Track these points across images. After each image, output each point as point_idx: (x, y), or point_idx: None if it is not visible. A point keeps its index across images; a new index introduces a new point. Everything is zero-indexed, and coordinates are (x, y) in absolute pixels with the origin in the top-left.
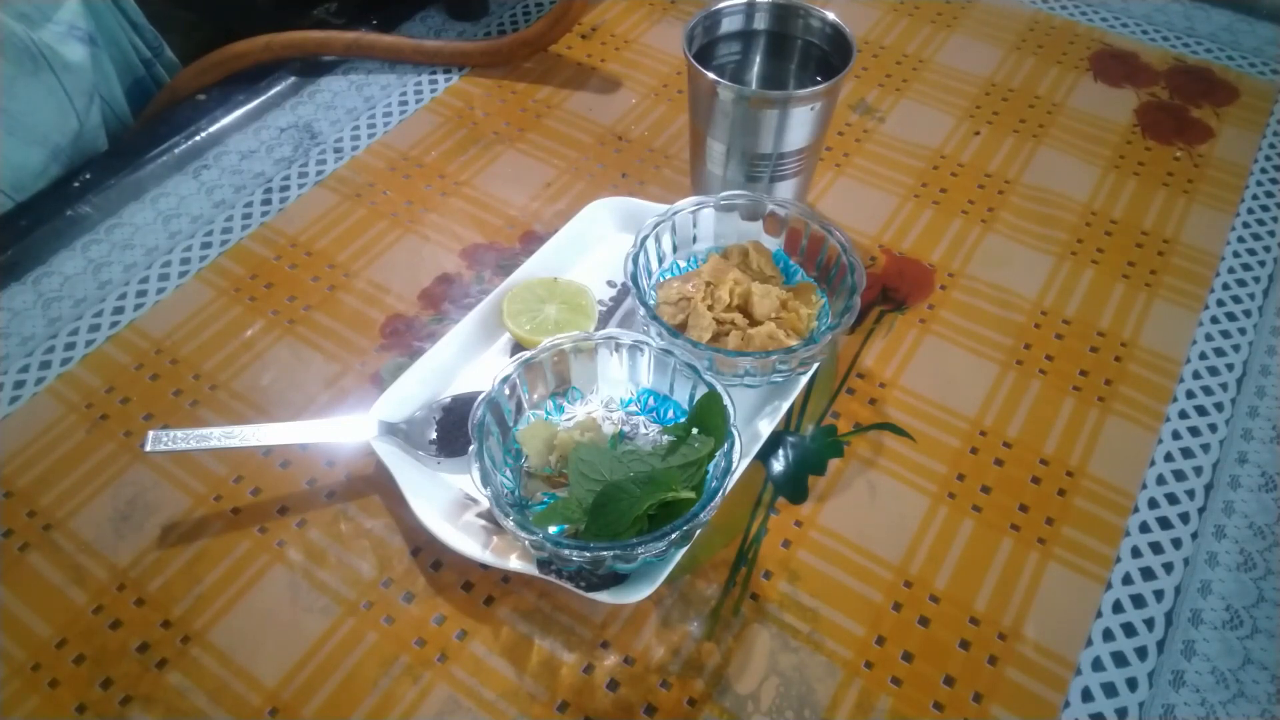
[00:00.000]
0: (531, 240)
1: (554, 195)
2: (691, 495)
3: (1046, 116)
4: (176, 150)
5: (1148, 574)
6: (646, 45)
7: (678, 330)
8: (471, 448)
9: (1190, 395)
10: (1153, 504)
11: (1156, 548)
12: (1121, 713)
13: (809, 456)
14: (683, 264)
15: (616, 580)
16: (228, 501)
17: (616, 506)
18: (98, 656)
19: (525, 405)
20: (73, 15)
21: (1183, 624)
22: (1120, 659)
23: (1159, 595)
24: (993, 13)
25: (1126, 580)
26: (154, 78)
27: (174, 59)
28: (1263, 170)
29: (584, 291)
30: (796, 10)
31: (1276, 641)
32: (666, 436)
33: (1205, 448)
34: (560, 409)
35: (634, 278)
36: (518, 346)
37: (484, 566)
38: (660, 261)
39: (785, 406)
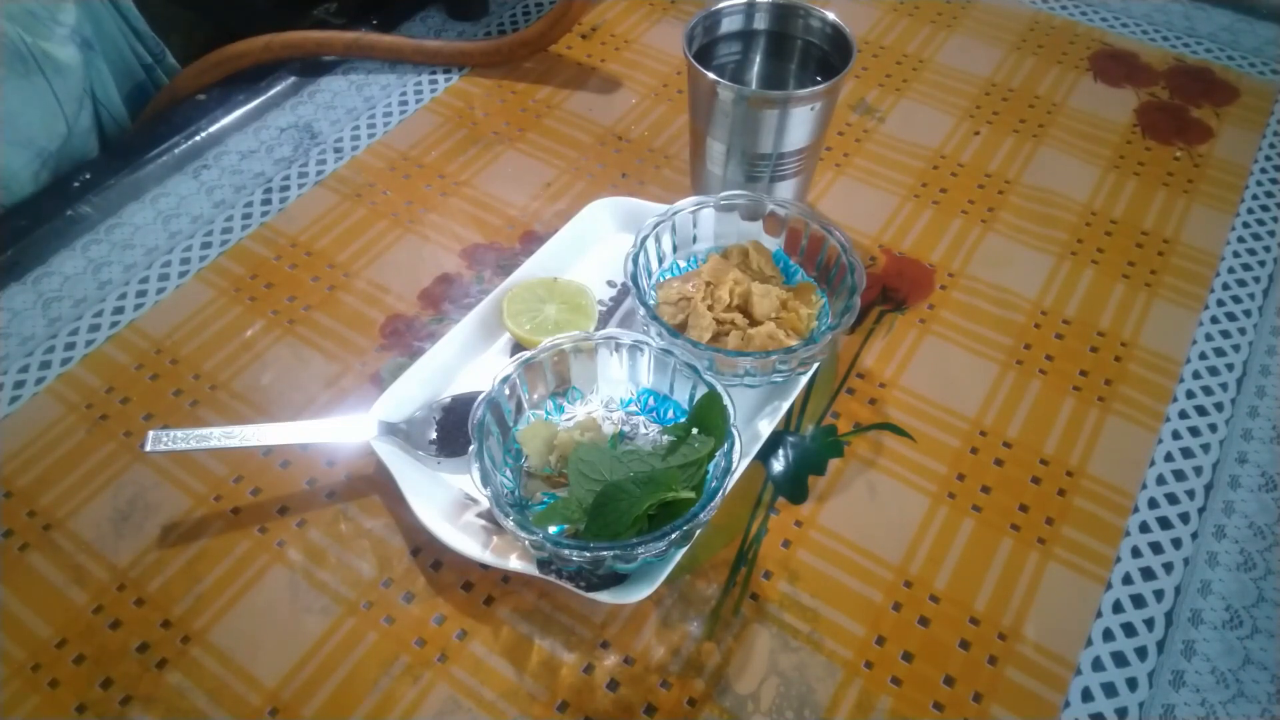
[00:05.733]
0: (531, 240)
1: (554, 195)
2: (691, 495)
3: (1046, 116)
4: (176, 150)
5: (1148, 574)
6: (646, 45)
7: (678, 330)
8: (471, 448)
9: (1190, 395)
10: (1153, 504)
11: (1156, 548)
12: (1121, 713)
13: (809, 456)
14: (683, 264)
15: (616, 580)
16: (228, 501)
17: (616, 506)
18: (98, 656)
19: (525, 405)
20: (74, 20)
21: (1183, 624)
22: (1120, 659)
23: (1159, 595)
24: (993, 13)
25: (1126, 580)
26: (155, 83)
27: (176, 65)
28: (1263, 170)
29: (584, 291)
30: (796, 10)
31: (1276, 641)
32: (666, 436)
33: (1205, 448)
34: (560, 409)
35: (634, 278)
36: (518, 346)
37: (484, 566)
38: (660, 261)
39: (785, 406)
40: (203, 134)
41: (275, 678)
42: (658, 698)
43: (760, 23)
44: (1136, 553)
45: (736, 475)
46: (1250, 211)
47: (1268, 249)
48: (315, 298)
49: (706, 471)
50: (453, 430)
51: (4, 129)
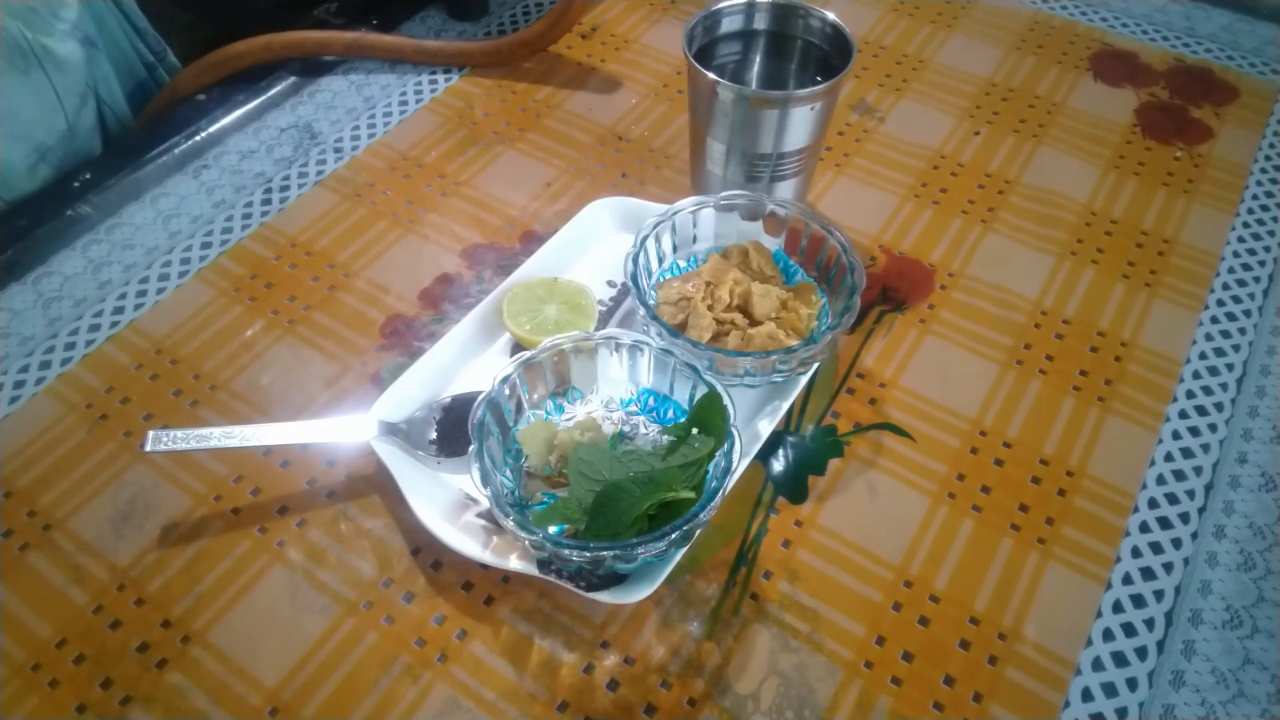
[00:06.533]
0: (531, 240)
1: (554, 195)
2: (691, 495)
3: (1046, 116)
4: (176, 150)
5: (1148, 574)
6: (646, 45)
7: (678, 330)
8: (471, 448)
9: (1190, 395)
10: (1153, 504)
11: (1156, 548)
12: (1121, 713)
13: (809, 456)
14: (683, 264)
15: (616, 580)
16: (228, 501)
17: (616, 506)
18: (98, 656)
19: (525, 405)
20: (75, 16)
21: (1183, 624)
22: (1120, 659)
23: (1159, 595)
24: (993, 13)
25: (1126, 580)
26: (156, 81)
27: (177, 63)
28: (1263, 170)
29: (584, 291)
30: (796, 10)
31: (1276, 641)
32: (666, 436)
33: (1205, 448)
34: (560, 409)
35: (634, 278)
36: (518, 346)
37: (484, 566)
38: (660, 261)
39: (785, 406)
40: (203, 134)
41: (275, 678)
42: (658, 698)
43: (760, 23)
44: (1136, 553)
45: (736, 475)
46: (1250, 211)
47: (1268, 249)
48: (315, 298)
49: (706, 471)
50: (453, 430)
51: (2, 124)
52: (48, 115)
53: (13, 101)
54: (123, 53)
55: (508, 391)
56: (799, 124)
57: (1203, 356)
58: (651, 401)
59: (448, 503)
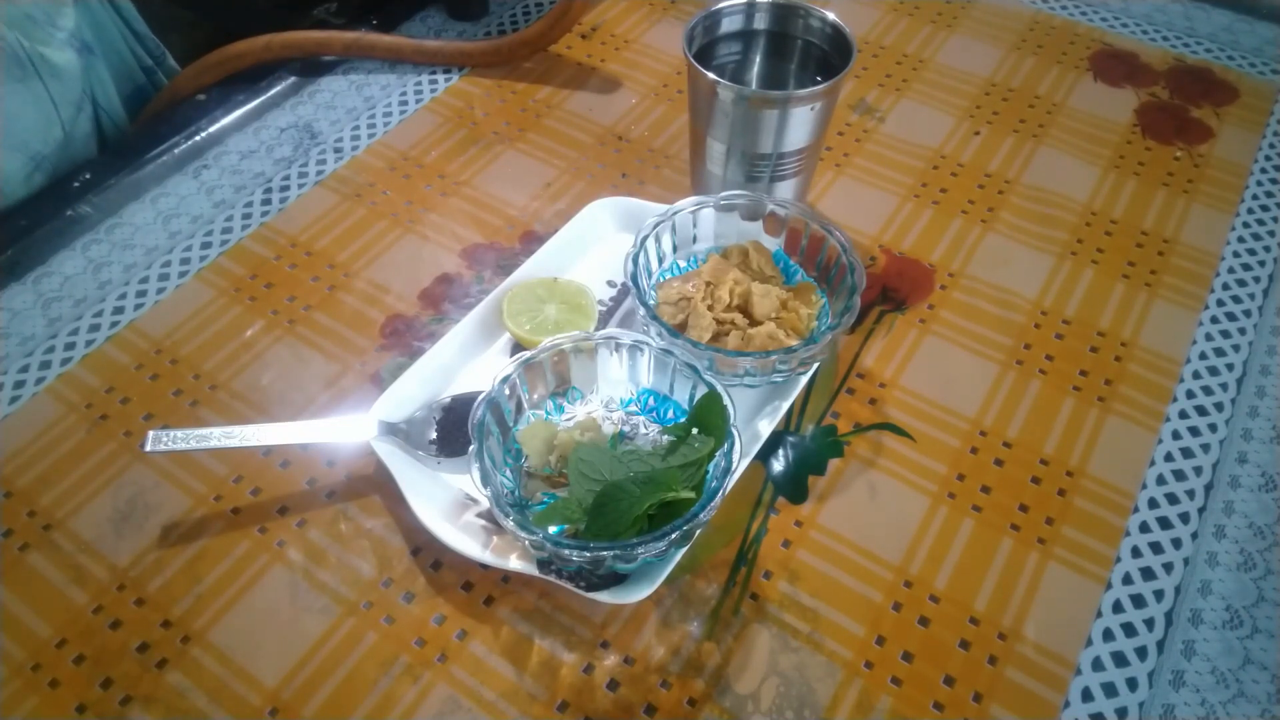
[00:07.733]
0: (531, 240)
1: (554, 195)
2: (691, 495)
3: (1046, 116)
4: (176, 150)
5: (1148, 574)
6: (646, 45)
7: (678, 330)
8: (471, 448)
9: (1190, 395)
10: (1153, 504)
11: (1156, 548)
12: (1121, 713)
13: (809, 456)
14: (683, 264)
15: (616, 580)
16: (228, 501)
17: (616, 506)
18: (98, 656)
19: (525, 405)
20: (73, 24)
21: (1183, 624)
22: (1120, 659)
23: (1159, 595)
24: (993, 13)
25: (1126, 580)
26: (155, 85)
27: (176, 67)
28: (1263, 170)
29: (584, 291)
30: (796, 10)
31: (1276, 641)
32: (666, 436)
33: (1205, 448)
34: (560, 409)
35: (634, 278)
36: (518, 346)
37: (484, 566)
38: (660, 261)
39: (785, 406)
40: (203, 134)
41: (275, 678)
42: (658, 698)
43: (760, 23)
44: (1136, 553)
45: (736, 475)
46: (1250, 211)
47: (1268, 249)
48: (315, 298)
49: (706, 471)
50: (453, 430)
51: None
52: (44, 124)
53: (9, 111)
54: (121, 58)
55: (508, 391)
56: (799, 124)
57: (1203, 356)
58: (651, 401)
59: (448, 503)
